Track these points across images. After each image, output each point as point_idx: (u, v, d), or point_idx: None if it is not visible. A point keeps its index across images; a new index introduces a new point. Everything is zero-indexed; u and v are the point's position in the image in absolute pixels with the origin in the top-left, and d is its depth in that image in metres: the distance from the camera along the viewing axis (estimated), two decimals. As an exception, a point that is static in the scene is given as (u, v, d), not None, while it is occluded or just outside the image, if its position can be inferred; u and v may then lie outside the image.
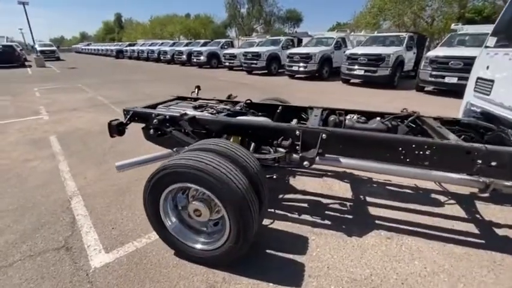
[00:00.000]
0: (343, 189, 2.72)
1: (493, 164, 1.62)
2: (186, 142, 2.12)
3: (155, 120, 2.18)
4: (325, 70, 11.69)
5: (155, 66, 19.31)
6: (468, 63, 6.20)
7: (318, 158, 1.97)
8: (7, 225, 2.18)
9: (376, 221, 2.20)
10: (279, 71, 13.61)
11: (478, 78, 2.69)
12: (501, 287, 1.60)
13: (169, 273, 1.70)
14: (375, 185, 2.80)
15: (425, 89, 8.61)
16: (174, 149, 2.26)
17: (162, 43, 24.99)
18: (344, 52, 10.88)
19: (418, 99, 7.73)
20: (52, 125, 4.97)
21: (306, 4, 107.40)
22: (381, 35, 11.62)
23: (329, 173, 3.02)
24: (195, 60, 17.48)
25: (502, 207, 2.40)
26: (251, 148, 2.29)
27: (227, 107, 2.76)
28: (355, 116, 2.33)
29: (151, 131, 2.27)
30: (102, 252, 1.88)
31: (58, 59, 25.95)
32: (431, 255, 1.84)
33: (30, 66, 18.65)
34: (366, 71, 9.49)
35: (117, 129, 2.27)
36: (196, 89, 3.23)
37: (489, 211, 2.34)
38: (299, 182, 2.86)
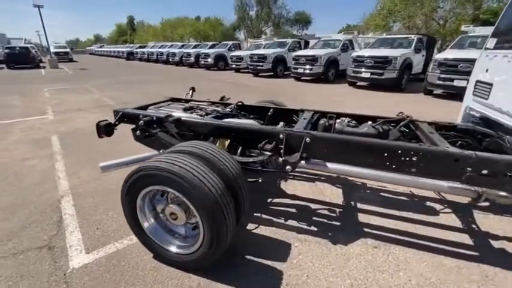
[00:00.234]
0: (335, 195, 2.64)
1: (484, 172, 1.53)
2: (171, 144, 2.10)
3: (141, 122, 2.17)
4: (331, 72, 11.53)
5: (163, 68, 19.59)
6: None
7: (303, 162, 1.92)
8: (-4, 222, 2.21)
9: (365, 229, 2.12)
10: (285, 73, 13.55)
11: (477, 81, 2.57)
12: (491, 304, 1.51)
13: (145, 276, 1.68)
14: (368, 191, 2.71)
15: (434, 92, 8.36)
16: (161, 151, 2.25)
17: (171, 45, 25.33)
18: (351, 54, 10.73)
19: (425, 102, 7.51)
20: (56, 125, 5.09)
21: (315, 7, 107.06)
22: (389, 37, 11.40)
23: (322, 178, 2.94)
24: (202, 62, 17.63)
25: (501, 217, 2.27)
26: (238, 151, 2.26)
27: (218, 109, 2.74)
28: (346, 120, 2.26)
29: (138, 132, 2.27)
30: (83, 252, 1.89)
31: (71, 60, 26.78)
32: (419, 267, 1.75)
33: (44, 67, 19.28)
34: (372, 73, 9.29)
35: (105, 129, 2.28)
36: (191, 91, 3.22)
37: (487, 221, 2.22)
38: (290, 186, 2.80)
